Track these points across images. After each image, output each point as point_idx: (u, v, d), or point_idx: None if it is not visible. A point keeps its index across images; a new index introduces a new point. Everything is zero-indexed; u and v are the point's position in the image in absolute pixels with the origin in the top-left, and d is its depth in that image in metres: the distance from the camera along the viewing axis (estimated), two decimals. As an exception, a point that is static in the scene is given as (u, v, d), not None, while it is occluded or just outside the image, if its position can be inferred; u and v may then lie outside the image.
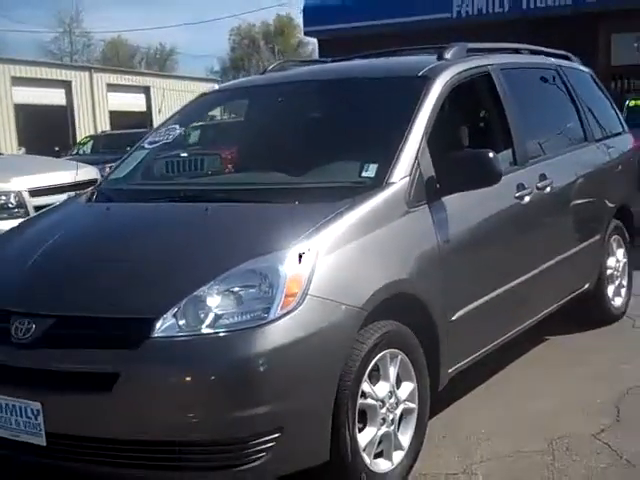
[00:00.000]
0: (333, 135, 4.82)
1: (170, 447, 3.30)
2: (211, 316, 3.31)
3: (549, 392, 5.03)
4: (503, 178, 4.41)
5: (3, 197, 8.05)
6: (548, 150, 5.57)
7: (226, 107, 9.07)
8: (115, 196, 4.86)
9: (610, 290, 6.39)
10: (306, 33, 25.24)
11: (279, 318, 3.30)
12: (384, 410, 3.76)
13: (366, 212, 3.87)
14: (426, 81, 4.62)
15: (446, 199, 4.28)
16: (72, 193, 7.27)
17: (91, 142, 25.76)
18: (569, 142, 6.07)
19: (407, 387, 3.93)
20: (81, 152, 24.16)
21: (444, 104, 4.59)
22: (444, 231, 4.21)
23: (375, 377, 3.74)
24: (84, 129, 37.80)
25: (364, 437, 3.68)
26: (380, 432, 3.76)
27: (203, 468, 3.34)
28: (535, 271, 5.09)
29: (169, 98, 42.67)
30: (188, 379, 3.26)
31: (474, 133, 5.04)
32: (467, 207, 4.43)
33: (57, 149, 22.64)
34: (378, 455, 3.79)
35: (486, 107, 5.44)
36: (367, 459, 3.69)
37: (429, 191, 4.21)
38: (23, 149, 28.89)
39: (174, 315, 3.31)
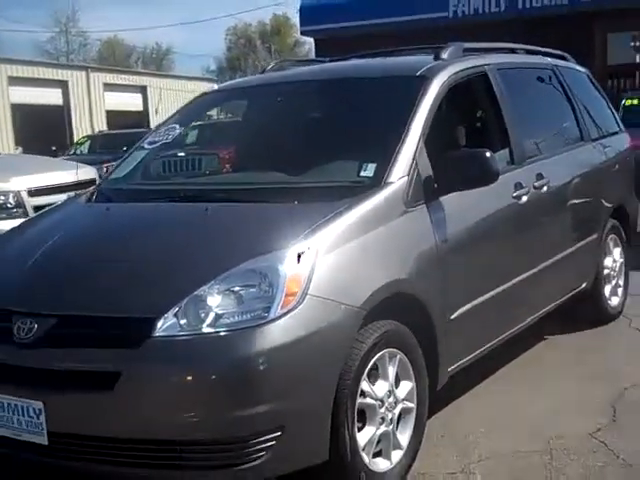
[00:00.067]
0: (331, 135, 4.84)
1: (171, 446, 3.31)
2: (212, 315, 3.33)
3: (547, 391, 5.05)
4: (500, 177, 4.42)
5: (2, 197, 8.05)
6: (545, 150, 5.58)
7: (223, 107, 9.07)
8: (115, 196, 4.88)
9: (607, 290, 6.41)
10: (303, 33, 25.24)
11: (279, 317, 3.32)
12: (383, 409, 3.78)
13: (365, 212, 3.89)
14: (423, 81, 4.64)
15: (444, 199, 4.29)
16: (71, 193, 7.29)
17: (88, 142, 25.73)
18: (566, 142, 6.08)
19: (406, 386, 3.94)
20: (78, 152, 24.13)
21: (441, 104, 4.60)
22: (442, 230, 4.22)
23: (374, 376, 3.75)
24: (81, 129, 37.77)
25: (363, 436, 3.69)
26: (379, 431, 3.77)
27: (204, 467, 3.35)
28: (533, 270, 5.11)
29: (166, 98, 42.69)
30: (189, 378, 3.27)
31: (471, 133, 5.05)
32: (465, 207, 4.44)
33: (54, 149, 22.62)
34: (377, 454, 3.81)
35: (483, 107, 5.45)
36: (366, 458, 3.70)
37: (427, 191, 4.23)
38: (20, 149, 28.86)
39: (175, 314, 3.33)
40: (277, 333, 3.30)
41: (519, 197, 4.97)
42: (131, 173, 5.21)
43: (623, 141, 7.06)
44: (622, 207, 6.66)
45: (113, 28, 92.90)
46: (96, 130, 34.94)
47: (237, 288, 3.40)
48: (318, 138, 4.92)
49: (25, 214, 7.70)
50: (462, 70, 4.92)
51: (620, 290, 6.64)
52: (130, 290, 3.58)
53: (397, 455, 3.89)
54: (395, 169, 4.13)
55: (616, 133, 6.99)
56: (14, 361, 3.53)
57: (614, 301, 6.52)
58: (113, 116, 39.59)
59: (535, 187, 5.16)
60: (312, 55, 28.49)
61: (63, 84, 38.54)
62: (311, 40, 26.67)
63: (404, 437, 3.94)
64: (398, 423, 3.91)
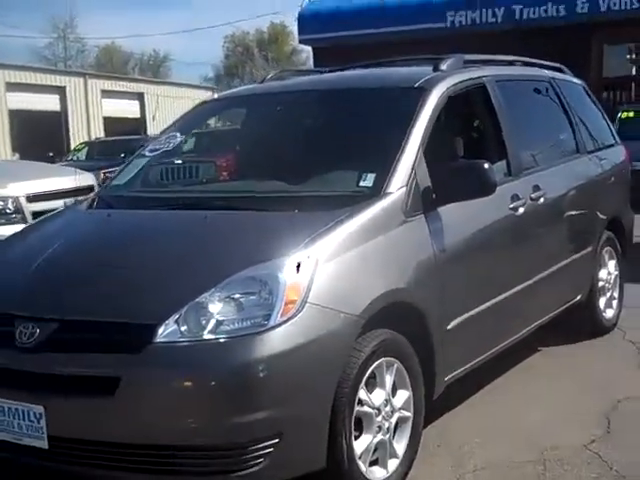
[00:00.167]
0: (331, 145, 4.87)
1: (170, 451, 3.33)
2: (212, 322, 3.36)
3: (541, 402, 5.07)
4: (498, 189, 4.45)
5: (1, 203, 8.08)
6: (541, 161, 5.62)
7: (222, 116, 9.10)
8: (116, 203, 4.92)
9: (602, 302, 6.42)
10: (301, 41, 25.31)
11: (279, 325, 3.35)
12: (380, 418, 3.80)
13: (364, 221, 3.92)
14: (422, 92, 4.67)
15: (442, 209, 4.32)
16: (69, 199, 7.31)
17: (86, 149, 25.74)
18: (562, 154, 6.12)
19: (402, 395, 3.96)
20: (75, 158, 24.14)
21: (440, 115, 4.63)
22: (440, 241, 4.25)
23: (371, 385, 3.77)
24: (78, 135, 37.70)
25: (360, 444, 3.71)
26: (376, 440, 3.79)
27: (202, 473, 3.37)
28: (529, 281, 5.13)
29: (163, 105, 42.67)
30: (189, 384, 3.30)
31: (469, 144, 5.09)
32: (463, 217, 4.47)
33: (51, 155, 22.59)
34: (373, 463, 3.82)
35: (481, 118, 5.48)
36: (363, 467, 3.72)
37: (425, 201, 4.26)
38: (17, 155, 28.86)
39: (176, 321, 3.36)
40: (277, 340, 3.33)
41: (516, 208, 5.00)
42: (132, 180, 5.23)
43: (619, 154, 7.09)
44: (617, 219, 6.68)
45: (111, 34, 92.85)
46: (93, 137, 34.93)
47: (237, 295, 3.43)
48: (318, 148, 4.95)
49: (24, 220, 7.72)
50: (461, 82, 4.96)
51: (615, 302, 6.66)
52: (132, 296, 3.60)
53: (393, 464, 3.91)
54: (394, 179, 4.16)
55: (612, 145, 7.02)
56: (15, 365, 3.55)
57: (609, 313, 6.54)
58: (110, 123, 39.53)
59: (532, 199, 5.19)
60: (309, 63, 28.58)
61: (61, 90, 38.50)
62: (308, 49, 26.76)
63: (400, 446, 3.95)
64: (395, 432, 3.93)
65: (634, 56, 22.35)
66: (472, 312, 4.52)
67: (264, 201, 4.36)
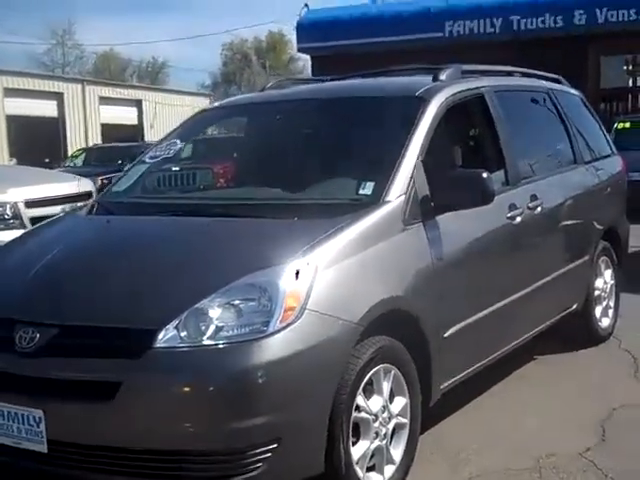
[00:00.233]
0: (331, 153, 4.90)
1: (169, 456, 3.35)
2: (212, 328, 3.37)
3: (537, 410, 5.09)
4: (496, 198, 4.48)
5: None
6: (539, 171, 5.64)
7: (221, 124, 9.14)
8: (115, 209, 4.94)
9: (598, 311, 6.45)
10: (299, 50, 25.38)
11: (278, 331, 3.37)
12: (377, 424, 3.81)
13: (364, 229, 3.94)
14: (422, 102, 4.69)
15: (440, 217, 4.35)
16: (68, 205, 7.32)
17: (83, 155, 25.75)
18: (559, 164, 6.16)
19: (400, 402, 3.98)
20: (72, 165, 24.14)
21: (439, 125, 4.65)
22: (438, 249, 4.28)
23: (369, 391, 3.79)
24: (76, 141, 37.74)
25: (357, 450, 3.73)
26: (373, 446, 3.81)
27: (201, 477, 3.39)
28: (525, 290, 5.16)
29: (161, 112, 42.72)
30: (188, 389, 3.32)
31: (468, 153, 5.11)
32: (461, 226, 4.50)
33: (47, 161, 22.62)
34: (370, 469, 3.84)
35: (479, 128, 5.51)
36: (360, 472, 3.73)
37: (424, 209, 4.28)
38: (14, 160, 28.82)
39: (176, 326, 3.38)
40: (276, 347, 3.35)
41: (513, 218, 5.03)
42: (132, 186, 5.25)
43: (615, 164, 7.12)
44: (614, 229, 6.71)
45: (109, 40, 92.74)
46: (90, 143, 34.93)
47: (237, 302, 3.45)
48: (317, 156, 4.97)
49: (22, 225, 7.70)
50: (460, 92, 4.99)
51: (611, 311, 6.68)
52: (132, 301, 3.62)
53: (390, 470, 3.93)
54: (393, 188, 4.19)
55: (609, 156, 7.05)
56: (15, 370, 3.57)
57: (605, 322, 6.56)
58: (108, 129, 39.59)
59: (529, 208, 5.22)
60: (306, 71, 28.61)
61: (59, 96, 38.54)
62: (305, 57, 26.83)
63: (397, 452, 3.98)
64: (392, 438, 3.95)
65: (631, 67, 22.42)
66: (469, 320, 4.54)
67: (264, 208, 4.39)
